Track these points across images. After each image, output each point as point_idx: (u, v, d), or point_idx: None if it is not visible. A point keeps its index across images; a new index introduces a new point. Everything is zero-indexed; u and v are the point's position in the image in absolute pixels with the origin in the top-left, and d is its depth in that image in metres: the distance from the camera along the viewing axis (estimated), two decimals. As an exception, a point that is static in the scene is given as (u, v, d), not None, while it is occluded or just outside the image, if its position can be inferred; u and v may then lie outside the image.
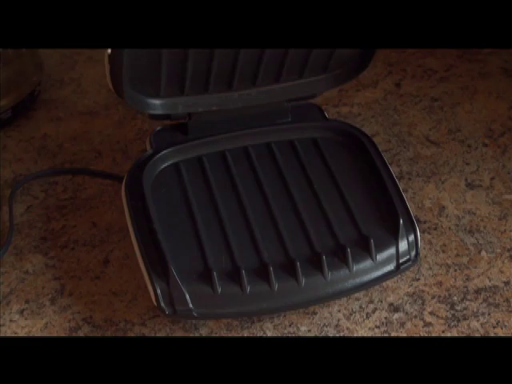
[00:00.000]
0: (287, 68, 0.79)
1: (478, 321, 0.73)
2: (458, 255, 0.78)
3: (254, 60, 0.77)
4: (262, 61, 0.77)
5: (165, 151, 0.81)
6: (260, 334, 0.71)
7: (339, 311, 0.74)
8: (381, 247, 0.73)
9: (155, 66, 0.74)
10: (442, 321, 0.73)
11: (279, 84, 0.81)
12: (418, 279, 0.76)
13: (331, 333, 0.72)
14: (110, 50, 0.70)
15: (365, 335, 0.72)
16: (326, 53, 0.78)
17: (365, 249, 0.73)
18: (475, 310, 0.74)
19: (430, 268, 0.77)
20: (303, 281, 0.72)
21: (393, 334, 0.72)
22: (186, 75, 0.76)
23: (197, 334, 0.71)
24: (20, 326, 0.74)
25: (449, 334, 0.72)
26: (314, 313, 0.74)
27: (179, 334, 0.72)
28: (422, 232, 0.80)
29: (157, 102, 0.79)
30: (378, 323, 0.73)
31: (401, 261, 0.74)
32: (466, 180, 0.85)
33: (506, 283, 0.76)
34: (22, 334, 0.73)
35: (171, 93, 0.78)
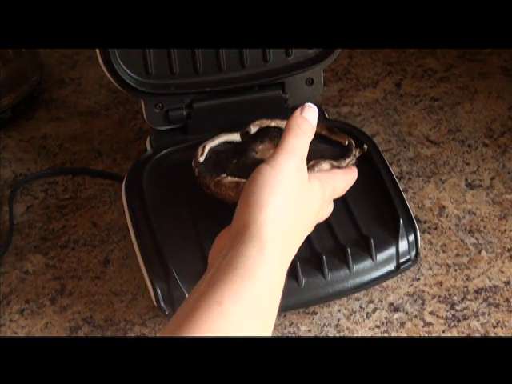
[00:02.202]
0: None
1: (478, 321, 0.73)
2: (458, 255, 0.78)
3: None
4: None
5: (165, 151, 0.81)
6: (260, 333, 0.71)
7: (339, 311, 0.74)
8: (381, 247, 0.73)
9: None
10: (442, 321, 0.73)
11: (267, 64, 0.81)
12: (418, 279, 0.76)
13: (331, 333, 0.72)
14: None
15: (365, 335, 0.72)
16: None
17: (365, 249, 0.73)
18: (475, 309, 0.74)
19: (430, 268, 0.77)
20: (303, 281, 0.72)
21: (393, 334, 0.72)
22: (173, 55, 0.79)
23: (197, 334, 0.71)
24: (20, 326, 0.74)
25: (449, 334, 0.72)
26: (314, 313, 0.74)
27: (179, 333, 0.72)
28: (422, 232, 0.79)
29: (149, 81, 0.79)
30: (378, 323, 0.73)
31: (401, 261, 0.74)
32: (466, 180, 0.84)
33: (506, 283, 0.76)
34: (21, 334, 0.73)
35: (162, 73, 0.79)
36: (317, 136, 0.76)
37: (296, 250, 0.63)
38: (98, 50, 0.77)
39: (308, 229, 0.65)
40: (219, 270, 0.57)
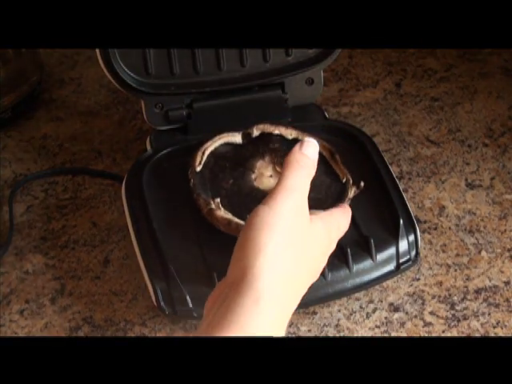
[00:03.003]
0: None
1: (478, 321, 0.73)
2: (458, 255, 0.78)
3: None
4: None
5: (165, 151, 0.81)
6: (260, 333, 0.71)
7: (339, 311, 0.74)
8: (381, 247, 0.73)
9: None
10: (442, 321, 0.73)
11: (267, 64, 0.81)
12: (418, 279, 0.76)
13: (331, 333, 0.72)
14: None
15: (365, 335, 0.72)
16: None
17: (365, 249, 0.73)
18: (475, 309, 0.74)
19: (430, 268, 0.77)
20: (303, 281, 0.71)
21: (393, 334, 0.72)
22: (173, 55, 0.79)
23: (197, 334, 0.71)
24: (20, 326, 0.74)
25: (449, 334, 0.72)
26: (314, 313, 0.74)
27: (179, 333, 0.72)
28: (422, 232, 0.79)
29: (149, 81, 0.79)
30: (378, 323, 0.73)
31: (401, 261, 0.74)
32: (466, 180, 0.84)
33: (506, 283, 0.76)
34: (21, 334, 0.73)
35: (162, 73, 0.79)
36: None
37: (298, 301, 0.60)
38: (97, 50, 0.77)
39: (312, 275, 0.62)
40: (214, 321, 0.55)
